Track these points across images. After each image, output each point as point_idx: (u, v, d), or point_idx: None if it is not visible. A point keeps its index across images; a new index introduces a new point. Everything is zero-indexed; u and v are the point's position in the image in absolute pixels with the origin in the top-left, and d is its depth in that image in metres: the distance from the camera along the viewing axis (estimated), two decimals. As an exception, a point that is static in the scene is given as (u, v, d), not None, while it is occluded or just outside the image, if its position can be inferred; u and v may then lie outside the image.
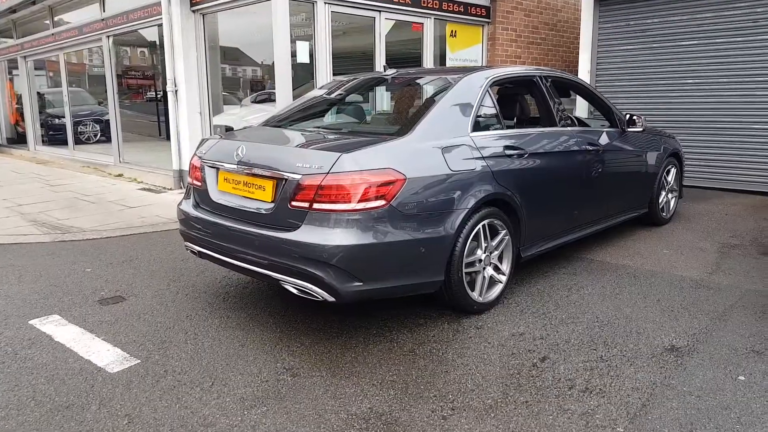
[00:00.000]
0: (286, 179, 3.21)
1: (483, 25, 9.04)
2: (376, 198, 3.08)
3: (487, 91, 3.90)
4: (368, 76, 4.41)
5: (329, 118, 4.14)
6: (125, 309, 3.90)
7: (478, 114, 3.76)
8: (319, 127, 3.98)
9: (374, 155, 3.18)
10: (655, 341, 3.25)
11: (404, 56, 8.27)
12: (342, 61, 7.53)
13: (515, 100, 4.54)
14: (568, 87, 4.99)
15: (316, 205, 3.08)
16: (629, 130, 4.98)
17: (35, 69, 14.38)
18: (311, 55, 7.06)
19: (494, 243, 3.72)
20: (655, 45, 7.88)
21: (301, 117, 4.21)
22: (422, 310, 3.75)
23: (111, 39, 10.10)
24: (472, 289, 3.62)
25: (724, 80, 7.44)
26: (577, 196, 4.42)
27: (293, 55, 6.82)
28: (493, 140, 3.76)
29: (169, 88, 8.02)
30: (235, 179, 3.55)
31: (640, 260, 4.72)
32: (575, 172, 4.35)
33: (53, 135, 14.55)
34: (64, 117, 12.92)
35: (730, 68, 7.39)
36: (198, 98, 8.00)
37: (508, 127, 4.04)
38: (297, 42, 6.87)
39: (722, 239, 5.33)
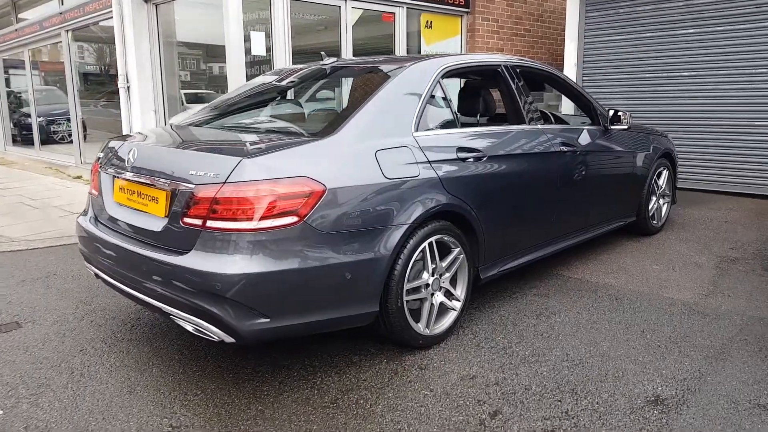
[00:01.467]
0: (178, 190, 2.60)
1: (461, 16, 8.41)
2: (286, 213, 2.46)
3: (439, 82, 3.28)
4: (304, 67, 3.79)
5: (250, 115, 3.51)
6: (14, 340, 3.29)
7: (426, 110, 3.14)
8: (234, 126, 3.35)
9: (285, 160, 2.56)
10: (635, 389, 2.62)
11: (374, 50, 7.65)
12: (305, 57, 6.90)
13: (478, 95, 3.91)
14: (541, 79, 4.36)
15: (210, 223, 2.46)
16: (613, 128, 4.36)
17: (13, 68, 13.75)
18: (270, 49, 6.44)
19: (445, 264, 3.10)
20: (647, 34, 7.25)
21: (221, 114, 3.58)
22: (362, 343, 3.13)
23: (70, 33, 9.50)
24: (417, 320, 3.01)
25: (724, 72, 6.81)
26: (549, 206, 3.80)
27: (247, 47, 6.19)
28: (444, 141, 3.14)
29: (120, 84, 7.41)
30: (130, 188, 2.94)
31: (625, 278, 4.10)
32: (547, 177, 3.72)
33: (26, 135, 13.96)
34: (39, 116, 12.33)
35: (730, 59, 6.76)
36: (152, 95, 7.37)
37: (465, 126, 3.42)
38: (252, 33, 6.24)
39: (721, 252, 4.71)
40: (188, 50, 7.80)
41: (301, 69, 3.73)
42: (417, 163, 2.93)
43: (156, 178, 2.73)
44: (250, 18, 6.38)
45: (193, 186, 2.52)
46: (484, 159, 3.28)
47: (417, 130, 3.04)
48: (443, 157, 3.07)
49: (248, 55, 6.20)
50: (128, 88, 7.37)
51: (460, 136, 3.24)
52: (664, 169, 5.15)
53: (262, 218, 2.42)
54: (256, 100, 3.60)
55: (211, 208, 2.45)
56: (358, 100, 3.03)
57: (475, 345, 3.10)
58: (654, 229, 5.13)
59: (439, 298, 3.11)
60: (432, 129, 3.15)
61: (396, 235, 2.78)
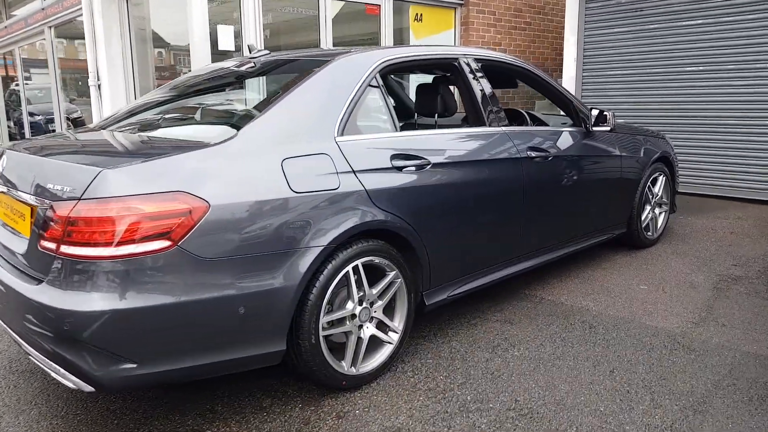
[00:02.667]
0: (38, 206, 2.18)
1: (455, 8, 7.91)
2: (155, 237, 2.03)
3: (375, 79, 2.81)
4: (232, 62, 3.35)
5: (152, 118, 3.05)
6: None
7: (357, 111, 2.68)
8: (127, 130, 2.90)
9: (158, 171, 2.12)
10: (587, 453, 2.14)
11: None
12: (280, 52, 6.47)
13: (434, 93, 3.44)
14: (510, 74, 3.87)
15: (64, 248, 2.04)
16: (596, 129, 3.84)
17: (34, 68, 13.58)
18: (240, 46, 6.02)
19: (376, 290, 2.64)
20: (650, 26, 6.69)
21: (127, 115, 3.15)
22: (283, 380, 2.69)
23: (53, 30, 9.19)
24: (341, 358, 2.56)
25: (733, 66, 6.23)
26: (514, 219, 3.31)
27: (215, 41, 5.78)
28: (376, 147, 2.68)
29: (90, 81, 7.06)
30: (5, 202, 2.54)
31: (606, 301, 3.59)
32: (510, 187, 3.24)
33: (25, 133, 13.83)
34: (38, 114, 12.11)
35: (740, 52, 6.17)
36: (124, 94, 7.00)
37: (419, 128, 2.95)
38: (218, 27, 5.82)
39: (721, 268, 4.17)
40: (163, 46, 7.41)
41: (231, 65, 3.29)
42: (337, 173, 2.47)
43: (20, 191, 2.32)
44: (218, 10, 5.96)
45: (49, 203, 2.11)
46: (428, 167, 2.81)
47: (342, 134, 2.58)
48: (373, 166, 2.61)
49: (216, 50, 5.79)
50: (99, 86, 7.02)
51: (397, 142, 2.77)
52: (660, 174, 4.62)
53: (124, 243, 1.99)
54: (168, 101, 3.17)
55: (66, 230, 2.03)
56: (268, 100, 2.58)
57: (411, 386, 2.63)
58: (648, 242, 4.60)
59: (370, 330, 2.66)
60: (363, 133, 2.69)
61: (306, 260, 2.33)
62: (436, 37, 7.76)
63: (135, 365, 2.05)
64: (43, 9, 9.08)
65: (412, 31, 7.51)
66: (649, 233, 4.61)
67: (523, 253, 3.47)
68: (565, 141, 3.68)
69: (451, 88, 3.63)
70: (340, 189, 2.45)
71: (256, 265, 2.21)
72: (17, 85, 14.21)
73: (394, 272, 2.68)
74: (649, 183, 4.48)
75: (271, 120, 2.43)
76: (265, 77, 3.00)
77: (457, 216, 2.95)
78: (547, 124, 4.20)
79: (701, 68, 6.41)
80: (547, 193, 3.48)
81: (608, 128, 3.82)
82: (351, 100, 2.65)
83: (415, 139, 2.85)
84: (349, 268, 2.50)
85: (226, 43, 5.84)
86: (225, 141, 2.30)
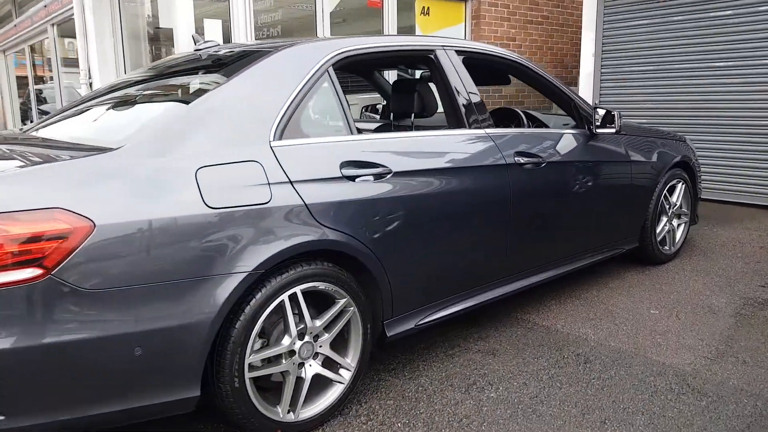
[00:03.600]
0: None
1: (465, 0, 7.45)
2: (22, 264, 1.66)
3: (327, 74, 2.40)
4: (179, 56, 2.98)
5: (66, 123, 2.67)
6: None
7: (299, 111, 2.28)
8: (32, 137, 2.53)
9: (31, 183, 1.76)
10: None
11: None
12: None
13: (409, 91, 3.04)
14: (502, 69, 3.43)
15: None
16: (600, 131, 3.37)
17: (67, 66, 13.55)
18: (229, 41, 5.68)
19: (321, 322, 2.24)
20: (674, 18, 6.14)
21: (50, 120, 2.79)
22: (209, 424, 2.30)
23: (56, 28, 9.00)
24: (274, 403, 2.17)
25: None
26: (499, 235, 2.88)
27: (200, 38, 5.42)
28: (321, 154, 2.28)
29: (81, 80, 6.79)
30: None
31: (609, 329, 3.13)
32: (493, 198, 2.80)
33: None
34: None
35: (774, 47, 5.60)
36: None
37: (361, 131, 2.54)
38: (204, 21, 5.49)
39: (747, 290, 3.66)
40: (157, 42, 7.12)
41: (175, 59, 2.92)
42: (269, 184, 2.08)
43: None
44: (207, 3, 5.63)
45: None
46: (389, 177, 2.39)
47: (280, 138, 2.18)
48: (317, 176, 2.20)
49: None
50: (90, 84, 6.74)
51: (351, 147, 2.36)
52: (679, 181, 4.11)
53: (-18, 271, 1.63)
54: (98, 97, 2.79)
55: None
56: (190, 98, 2.20)
57: (361, 436, 2.23)
58: (664, 257, 4.11)
59: (314, 369, 2.26)
60: (308, 137, 2.28)
61: (225, 289, 1.94)
62: (444, 32, 7.31)
63: (2, 418, 1.69)
64: (45, 6, 8.89)
65: (419, 25, 7.08)
66: (665, 247, 4.12)
67: (510, 274, 3.03)
68: (564, 145, 3.23)
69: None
70: (271, 203, 2.05)
71: (156, 297, 1.83)
72: (45, 82, 14.22)
73: (345, 300, 2.28)
74: (665, 191, 3.98)
75: (187, 121, 2.05)
76: (201, 72, 2.62)
77: (425, 233, 2.53)
78: (547, 126, 3.74)
79: (731, 63, 5.85)
80: (539, 205, 3.04)
81: (613, 130, 3.34)
82: (293, 99, 2.25)
83: (373, 144, 2.44)
84: (285, 296, 2.11)
85: (214, 37, 5.49)
86: (125, 145, 1.93)
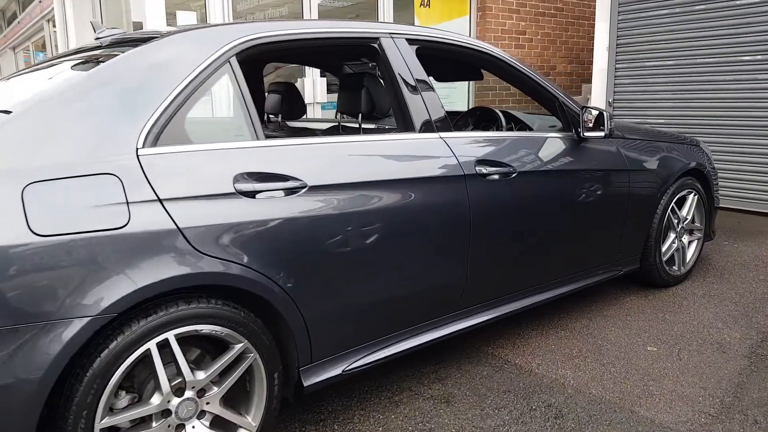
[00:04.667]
0: None
1: (470, -9, 6.94)
2: None
3: (228, 66, 1.97)
4: (80, 46, 2.57)
5: None
6: None
7: (183, 111, 1.84)
8: None
9: None
10: None
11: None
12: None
13: (356, 86, 2.58)
14: (466, 60, 2.94)
15: None
16: (588, 135, 2.86)
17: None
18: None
19: (206, 374, 1.80)
20: (696, 7, 5.54)
21: None
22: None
23: (51, 23, 8.76)
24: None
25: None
26: (454, 261, 2.40)
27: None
28: (207, 164, 1.83)
29: (62, 77, 6.46)
30: None
31: (593, 370, 2.62)
32: (448, 215, 2.33)
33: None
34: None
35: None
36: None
37: (271, 137, 2.09)
38: (177, 12, 5.10)
39: (767, 323, 3.11)
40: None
41: (74, 49, 2.51)
42: (128, 203, 1.64)
43: None
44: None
45: None
46: (304, 191, 1.94)
47: (154, 144, 1.75)
48: (200, 192, 1.76)
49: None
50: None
51: (251, 155, 1.91)
52: (691, 192, 3.57)
53: None
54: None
55: None
56: (42, 95, 1.77)
57: None
58: (672, 280, 3.57)
59: (198, 431, 1.82)
60: (194, 143, 1.84)
61: (60, 338, 1.53)
62: (446, 25, 6.81)
63: None
64: (40, 2, 8.67)
65: (418, 18, 6.60)
66: (673, 268, 3.58)
67: (471, 305, 2.54)
68: (544, 151, 2.73)
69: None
70: (128, 228, 1.62)
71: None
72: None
73: (241, 345, 1.85)
74: (673, 204, 3.44)
75: (21, 125, 1.62)
76: (76, 65, 2.19)
77: (352, 261, 2.07)
78: (530, 128, 3.24)
79: (760, 57, 5.23)
80: (508, 224, 2.55)
81: (601, 134, 2.82)
82: (176, 96, 1.82)
83: (284, 152, 1.98)
84: (152, 344, 1.67)
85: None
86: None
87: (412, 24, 6.36)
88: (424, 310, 2.38)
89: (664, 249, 3.48)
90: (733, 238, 4.62)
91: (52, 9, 8.05)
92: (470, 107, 3.41)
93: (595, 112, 2.87)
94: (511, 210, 2.54)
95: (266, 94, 3.39)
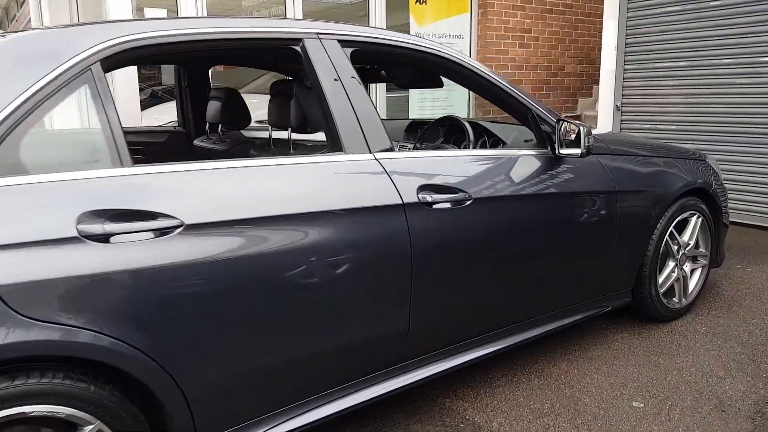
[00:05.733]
0: None
1: (470, -14, 6.52)
2: None
3: (89, 73, 1.61)
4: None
5: None
6: None
7: (17, 132, 1.48)
8: None
9: None
10: None
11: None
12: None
13: (286, 95, 2.21)
14: (421, 66, 2.54)
15: None
16: (565, 152, 2.43)
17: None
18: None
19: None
20: (713, 2, 5.04)
21: None
22: None
23: (30, 25, 8.55)
24: None
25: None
26: (398, 306, 2.02)
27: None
28: (40, 201, 1.46)
29: (39, 78, 6.19)
30: None
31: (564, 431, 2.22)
32: (383, 254, 1.96)
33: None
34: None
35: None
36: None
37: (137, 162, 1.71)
38: (146, 10, 4.78)
39: (777, 370, 2.67)
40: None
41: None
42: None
43: None
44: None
45: None
46: (179, 231, 1.57)
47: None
48: (26, 238, 1.40)
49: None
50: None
51: (107, 188, 1.54)
52: (693, 214, 3.12)
53: None
54: None
55: None
56: None
57: None
58: (671, 313, 3.13)
59: None
60: (30, 173, 1.48)
61: None
62: (446, 23, 6.40)
63: None
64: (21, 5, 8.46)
65: (413, 16, 6.19)
66: (673, 299, 3.14)
67: (414, 357, 2.15)
68: (509, 172, 2.32)
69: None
70: None
71: None
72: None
73: (92, 427, 1.48)
74: (671, 228, 3.00)
75: None
76: None
77: (247, 316, 1.69)
78: (504, 143, 2.82)
79: (782, 58, 4.73)
80: (463, 260, 2.16)
81: (578, 152, 2.40)
82: (8, 115, 1.45)
83: (156, 182, 1.61)
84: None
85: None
86: None
87: (404, 22, 5.97)
88: (355, 367, 2.00)
89: (661, 279, 3.04)
90: (746, 260, 4.14)
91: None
92: (441, 116, 3.00)
93: (573, 127, 2.44)
94: (465, 244, 2.15)
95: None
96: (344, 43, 2.07)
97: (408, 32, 6.16)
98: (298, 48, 1.98)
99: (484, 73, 2.38)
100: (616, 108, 5.76)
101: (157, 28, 1.73)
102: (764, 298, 3.45)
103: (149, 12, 4.82)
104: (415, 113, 6.32)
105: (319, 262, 1.79)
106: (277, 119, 2.28)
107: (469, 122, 2.89)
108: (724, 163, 5.02)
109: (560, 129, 2.42)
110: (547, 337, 2.80)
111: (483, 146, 2.87)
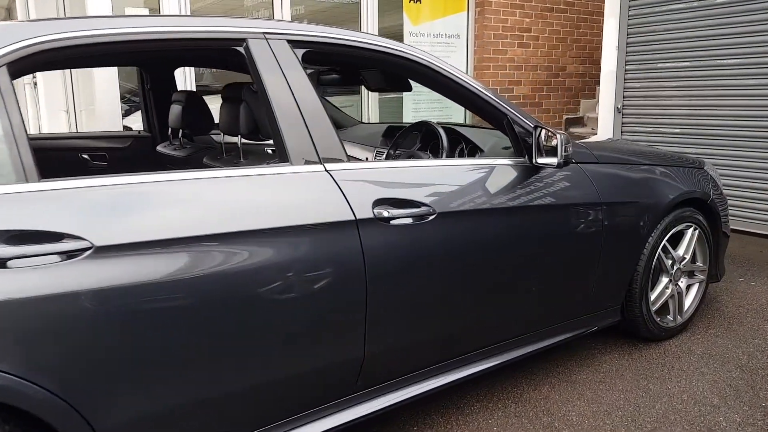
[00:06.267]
0: None
1: (467, -16, 6.32)
2: None
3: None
4: None
5: None
6: None
7: None
8: None
9: None
10: None
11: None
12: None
13: (235, 100, 2.04)
14: (385, 68, 2.35)
15: None
16: (543, 162, 2.23)
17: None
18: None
19: None
20: (717, 0, 4.81)
21: None
22: None
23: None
24: None
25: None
26: (351, 333, 1.84)
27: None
28: None
29: (24, 79, 6.09)
30: None
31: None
32: (334, 275, 1.77)
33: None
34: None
35: None
36: (63, 91, 5.98)
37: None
38: (126, 9, 4.63)
39: (776, 398, 2.45)
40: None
41: None
42: None
43: None
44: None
45: None
46: (85, 256, 1.40)
47: None
48: None
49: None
50: (35, 84, 6.05)
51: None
52: (690, 226, 2.92)
53: None
54: None
55: None
56: None
57: None
58: (664, 332, 2.93)
59: None
60: None
61: None
62: (443, 22, 6.21)
63: None
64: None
65: (407, 15, 6.00)
66: (667, 317, 2.94)
67: (371, 386, 1.97)
68: (480, 183, 2.13)
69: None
70: None
71: None
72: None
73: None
74: (664, 242, 2.80)
75: None
76: None
77: (171, 349, 1.52)
78: (482, 151, 2.63)
79: (790, 58, 4.50)
80: (425, 281, 1.97)
81: (554, 162, 2.20)
82: None
83: (59, 198, 1.44)
84: None
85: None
86: None
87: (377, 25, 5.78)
88: (301, 399, 1.81)
89: (653, 297, 2.84)
90: (751, 272, 3.92)
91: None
92: (416, 121, 2.82)
93: (551, 134, 2.24)
94: (428, 263, 1.96)
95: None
96: (295, 44, 1.89)
97: (402, 33, 5.99)
98: (241, 49, 1.80)
99: (452, 75, 2.19)
100: (617, 110, 5.54)
101: (76, 28, 1.56)
102: (767, 316, 3.24)
103: (130, 11, 4.67)
104: (409, 116, 6.14)
105: (257, 287, 1.61)
106: (226, 125, 2.11)
107: (446, 128, 2.70)
108: (730, 169, 4.80)
109: (537, 136, 2.22)
110: (530, 357, 2.61)
111: (461, 154, 2.68)
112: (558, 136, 2.14)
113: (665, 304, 2.92)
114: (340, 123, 3.59)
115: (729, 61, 4.79)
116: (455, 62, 6.35)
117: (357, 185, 1.84)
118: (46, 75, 5.95)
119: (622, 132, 5.56)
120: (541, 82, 6.92)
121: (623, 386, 2.55)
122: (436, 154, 2.66)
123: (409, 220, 1.91)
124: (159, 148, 2.98)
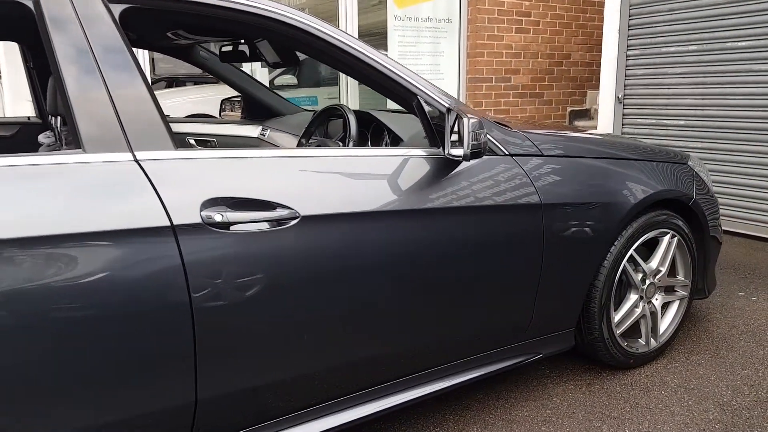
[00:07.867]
0: None
1: (457, -37, 5.84)
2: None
3: None
4: None
5: None
6: None
7: None
8: None
9: None
10: None
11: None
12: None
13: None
14: (252, 32, 1.92)
15: None
16: (454, 153, 1.77)
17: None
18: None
19: None
20: (728, -24, 4.26)
21: None
22: None
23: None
24: None
25: None
26: (182, 365, 1.43)
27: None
28: None
29: (-9, 76, 5.83)
30: None
31: None
32: (150, 301, 1.37)
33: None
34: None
35: None
36: (27, 83, 5.70)
37: None
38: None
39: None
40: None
41: None
42: None
43: None
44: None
45: None
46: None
47: None
48: None
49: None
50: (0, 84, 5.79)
51: None
52: (666, 233, 2.43)
53: None
54: None
55: None
56: None
57: None
58: (633, 359, 2.44)
59: None
60: None
61: None
62: (431, 6, 5.74)
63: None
64: None
65: (391, -3, 5.55)
66: (638, 341, 2.46)
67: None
68: (375, 180, 1.69)
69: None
70: None
71: None
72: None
73: None
74: (632, 251, 2.31)
75: None
76: None
77: None
78: (401, 139, 2.18)
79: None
80: (283, 305, 1.54)
81: (460, 153, 1.73)
82: None
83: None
84: None
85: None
86: None
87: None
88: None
89: (617, 317, 2.36)
90: (755, 284, 3.38)
91: None
92: (327, 106, 2.39)
93: (455, 115, 1.77)
94: (286, 281, 1.53)
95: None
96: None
97: (387, 13, 5.54)
98: (30, 4, 1.40)
99: (345, 44, 1.75)
100: (618, 100, 5.02)
101: None
102: (765, 340, 2.72)
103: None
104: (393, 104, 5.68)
105: (26, 316, 1.21)
106: (52, 105, 1.71)
107: (365, 113, 2.26)
108: (741, 165, 4.26)
109: (450, 122, 1.76)
110: (470, 385, 2.17)
111: (378, 143, 2.24)
112: (465, 120, 1.69)
113: (635, 326, 2.43)
114: (277, 110, 3.18)
115: (741, 43, 4.23)
116: (446, 49, 5.89)
117: (180, 180, 1.42)
118: (9, 64, 5.66)
119: (623, 123, 5.03)
120: (542, 71, 6.40)
121: (570, 428, 2.08)
122: (345, 144, 2.22)
123: (260, 226, 1.48)
124: (40, 138, 2.61)
